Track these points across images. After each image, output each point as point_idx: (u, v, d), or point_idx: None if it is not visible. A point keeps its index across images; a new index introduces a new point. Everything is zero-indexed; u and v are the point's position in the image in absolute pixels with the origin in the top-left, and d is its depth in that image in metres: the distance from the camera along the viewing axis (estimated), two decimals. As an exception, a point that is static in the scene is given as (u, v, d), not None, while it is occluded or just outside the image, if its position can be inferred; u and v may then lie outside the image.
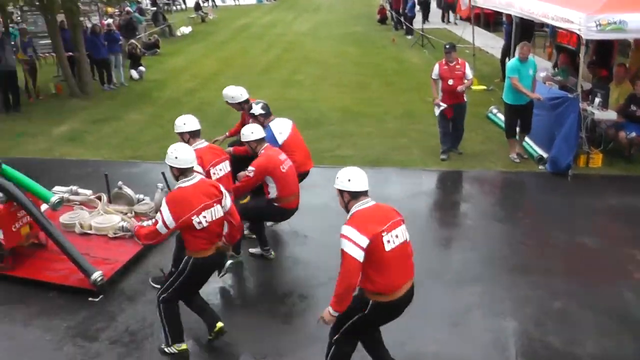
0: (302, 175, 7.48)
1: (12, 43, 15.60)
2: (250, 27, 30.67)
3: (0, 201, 6.80)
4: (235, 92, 8.22)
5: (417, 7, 25.64)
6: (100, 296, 6.54)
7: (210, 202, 5.21)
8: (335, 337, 4.71)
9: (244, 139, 6.85)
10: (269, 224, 7.79)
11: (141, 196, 8.43)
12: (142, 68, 18.71)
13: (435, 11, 27.72)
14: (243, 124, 8.30)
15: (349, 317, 4.56)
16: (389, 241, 4.40)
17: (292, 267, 7.08)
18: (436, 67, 10.01)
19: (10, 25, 18.39)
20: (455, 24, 25.75)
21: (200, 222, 5.12)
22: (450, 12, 26.72)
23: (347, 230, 4.37)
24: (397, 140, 11.22)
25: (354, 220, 4.45)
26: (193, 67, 20.00)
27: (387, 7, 29.67)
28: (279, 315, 6.23)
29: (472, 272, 6.80)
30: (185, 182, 5.24)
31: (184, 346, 5.55)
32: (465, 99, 10.07)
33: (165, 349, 5.56)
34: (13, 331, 6.10)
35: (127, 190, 8.43)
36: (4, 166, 6.93)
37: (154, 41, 23.52)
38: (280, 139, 7.26)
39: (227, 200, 5.42)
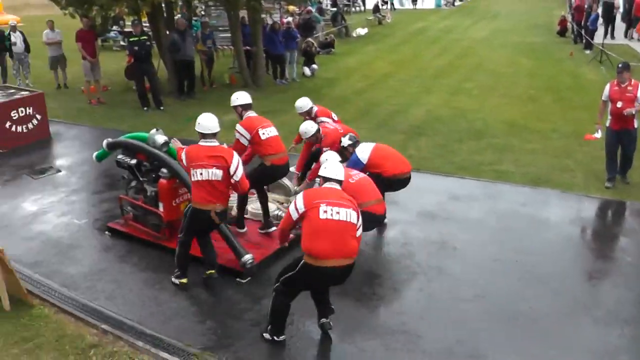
0: (400, 181, 7.91)
1: (194, 35, 16.69)
2: (426, 31, 30.50)
3: (164, 177, 7.33)
4: (307, 127, 8.58)
5: (600, 20, 24.05)
6: (248, 278, 6.82)
7: (209, 164, 6.28)
8: (275, 286, 5.62)
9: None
10: None
11: (297, 188, 8.73)
12: (315, 66, 19.27)
13: (619, 25, 25.79)
14: (307, 153, 8.78)
15: (286, 272, 5.51)
16: (325, 211, 5.23)
17: (435, 278, 6.93)
18: (606, 88, 9.40)
19: (194, 18, 19.69)
20: (639, 40, 23.88)
21: (195, 174, 6.32)
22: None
23: (299, 195, 5.46)
24: (562, 160, 10.64)
25: (309, 191, 5.61)
26: (365, 67, 20.25)
27: (569, 18, 28.21)
28: (412, 330, 6.05)
29: (624, 313, 6.28)
30: (201, 142, 6.45)
31: (184, 280, 6.76)
32: (635, 125, 9.28)
33: (173, 279, 6.80)
34: (162, 298, 6.56)
35: (286, 182, 8.80)
36: (170, 145, 7.46)
37: (329, 40, 24.14)
38: (364, 158, 7.83)
39: (238, 173, 6.40)
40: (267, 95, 15.93)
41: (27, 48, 17.01)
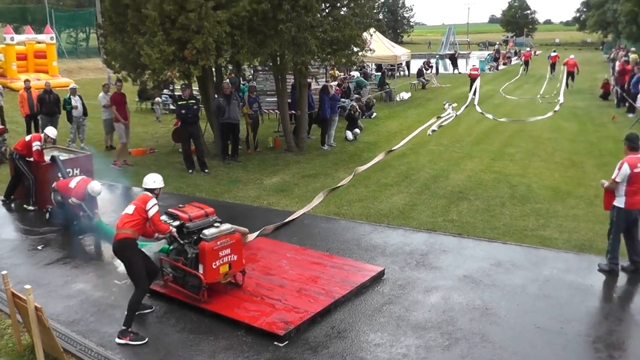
0: None
1: (241, 98, 17.02)
2: (468, 96, 30.57)
3: (205, 239, 7.43)
4: None
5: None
6: (286, 342, 6.77)
7: None
8: None
9: None
10: None
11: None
12: (357, 130, 19.42)
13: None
14: None
15: None
16: None
17: (477, 344, 6.78)
18: (625, 168, 8.73)
19: (242, 82, 20.14)
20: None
21: None
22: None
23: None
24: (606, 226, 10.32)
25: None
26: (406, 132, 20.20)
27: (612, 82, 28.08)
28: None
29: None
30: None
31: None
32: None
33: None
34: (198, 360, 6.54)
35: None
36: None
37: (371, 104, 24.36)
38: None
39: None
40: (310, 159, 16.17)
41: (85, 112, 17.35)
